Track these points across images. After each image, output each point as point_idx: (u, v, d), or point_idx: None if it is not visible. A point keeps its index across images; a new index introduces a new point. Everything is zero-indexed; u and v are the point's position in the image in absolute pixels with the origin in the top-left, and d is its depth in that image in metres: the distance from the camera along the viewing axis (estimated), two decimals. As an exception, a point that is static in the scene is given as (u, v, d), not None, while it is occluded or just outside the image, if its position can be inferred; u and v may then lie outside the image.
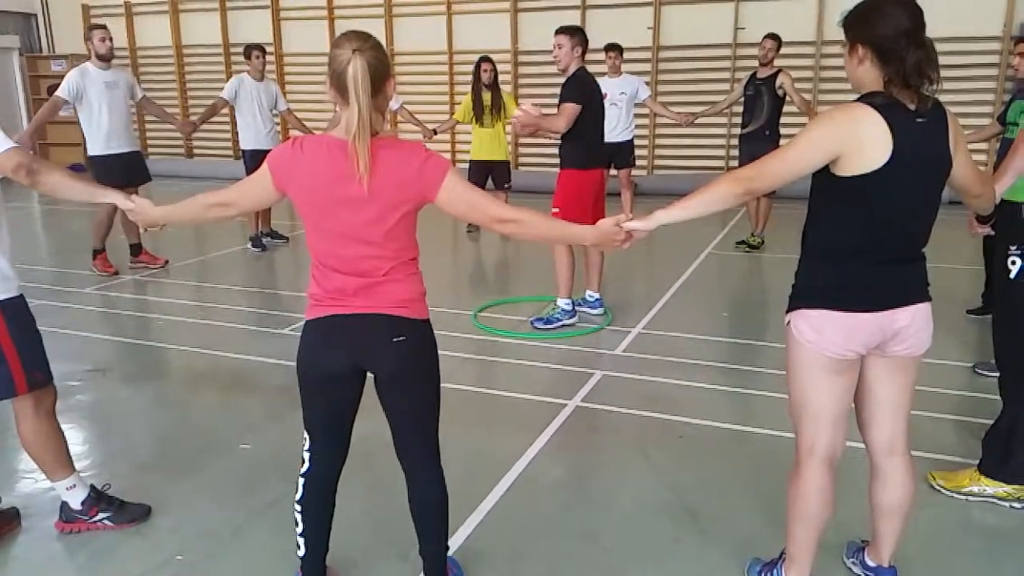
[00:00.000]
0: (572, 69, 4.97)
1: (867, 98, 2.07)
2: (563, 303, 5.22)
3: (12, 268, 2.63)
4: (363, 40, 2.03)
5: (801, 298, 2.26)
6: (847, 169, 2.06)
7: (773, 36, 7.16)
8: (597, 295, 5.40)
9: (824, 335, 2.19)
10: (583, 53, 4.99)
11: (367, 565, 2.71)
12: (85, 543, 2.88)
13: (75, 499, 2.89)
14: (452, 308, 5.56)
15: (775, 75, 7.11)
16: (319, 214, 2.12)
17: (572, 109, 4.87)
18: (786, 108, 7.24)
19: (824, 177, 2.11)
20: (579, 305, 5.42)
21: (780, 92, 7.09)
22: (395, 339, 2.15)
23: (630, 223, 2.34)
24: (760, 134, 7.14)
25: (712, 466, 3.41)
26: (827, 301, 2.19)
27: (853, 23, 2.12)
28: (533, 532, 2.92)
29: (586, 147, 5.07)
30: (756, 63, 7.45)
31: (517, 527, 2.95)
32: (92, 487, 2.94)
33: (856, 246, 2.15)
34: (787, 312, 2.31)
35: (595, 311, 5.39)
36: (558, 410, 3.94)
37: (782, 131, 7.26)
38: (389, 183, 2.06)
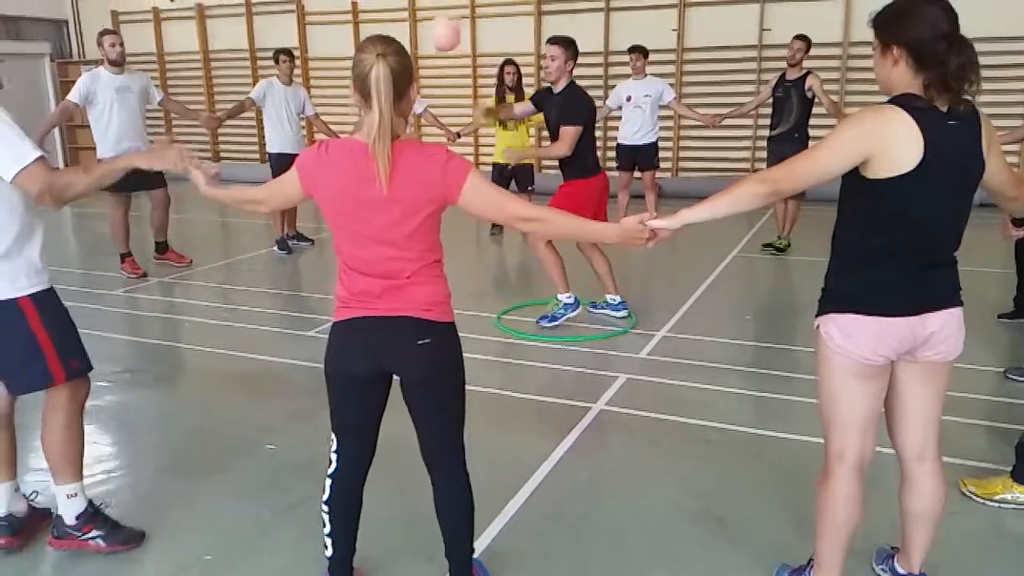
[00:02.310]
0: (563, 83, 4.98)
1: (898, 100, 2.04)
2: (563, 297, 5.25)
3: (43, 262, 2.63)
4: (387, 45, 2.04)
5: (830, 302, 2.23)
6: (877, 171, 2.03)
7: (802, 37, 7.10)
8: (618, 297, 5.38)
9: (854, 340, 2.16)
10: (574, 67, 4.99)
11: (393, 567, 2.72)
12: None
13: (72, 510, 2.79)
14: (475, 311, 5.56)
15: (804, 77, 7.05)
16: (344, 216, 2.13)
17: (574, 132, 4.89)
18: (815, 110, 7.17)
19: (854, 179, 2.09)
20: (601, 309, 5.41)
21: (809, 94, 7.03)
22: (420, 342, 2.16)
23: (655, 221, 2.33)
24: (789, 136, 7.09)
25: (738, 471, 3.38)
26: (857, 305, 2.16)
27: (887, 24, 2.08)
28: (558, 535, 2.91)
29: (587, 161, 5.10)
30: (781, 65, 7.40)
31: (542, 530, 2.94)
32: (90, 502, 2.84)
33: (887, 250, 2.12)
34: (816, 316, 2.28)
35: (619, 314, 5.37)
36: (582, 413, 3.93)
37: (811, 133, 7.20)
38: (412, 185, 2.07)
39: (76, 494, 2.79)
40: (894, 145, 2.00)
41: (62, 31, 14.60)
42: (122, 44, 6.66)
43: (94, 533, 2.81)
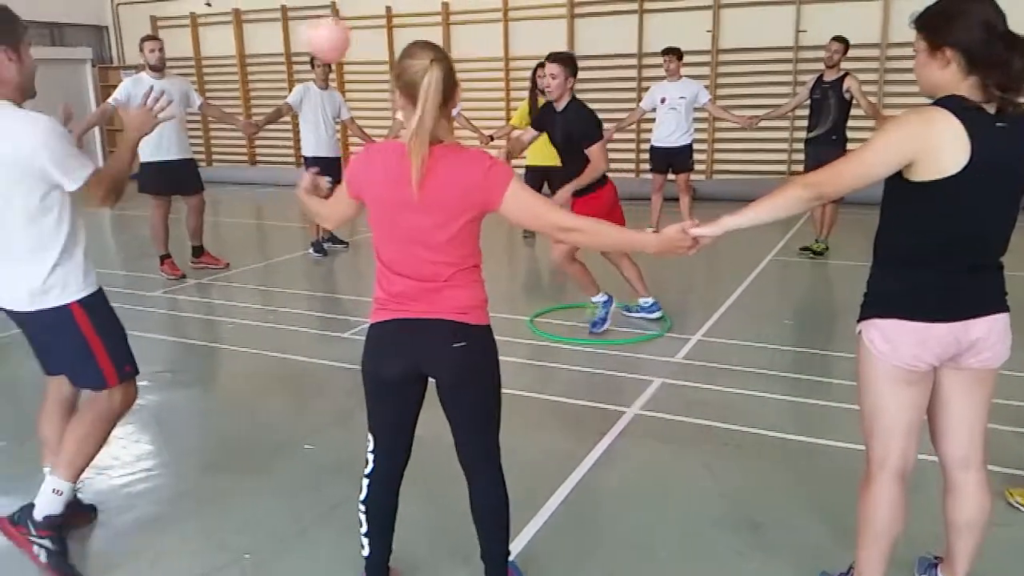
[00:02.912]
0: (566, 100, 4.93)
1: (944, 102, 2.01)
2: (597, 299, 5.24)
3: (89, 263, 2.67)
4: (437, 50, 2.08)
5: (873, 307, 2.20)
6: (922, 174, 2.00)
7: (840, 39, 7.01)
8: (650, 299, 5.35)
9: (897, 346, 2.13)
10: (574, 83, 4.95)
11: (429, 568, 2.74)
12: (157, 540, 2.96)
13: (47, 508, 2.67)
14: (508, 313, 5.57)
15: (842, 78, 6.96)
16: (384, 217, 2.16)
17: (601, 146, 4.90)
18: (853, 112, 7.08)
19: (898, 182, 2.06)
20: (636, 313, 5.39)
21: (847, 96, 6.94)
22: (456, 345, 2.17)
23: (696, 229, 2.32)
24: (826, 138, 7.00)
25: (774, 477, 3.35)
26: (900, 310, 2.13)
27: (936, 25, 2.04)
28: (592, 540, 2.90)
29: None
30: (817, 66, 7.31)
31: (577, 534, 2.94)
32: (61, 514, 2.70)
33: (931, 254, 2.09)
34: (858, 321, 2.25)
35: (653, 315, 5.34)
36: (616, 417, 3.92)
37: (849, 135, 7.11)
38: (452, 189, 2.08)
39: (62, 494, 2.69)
40: (940, 147, 1.97)
41: (103, 37, 14.91)
42: (162, 49, 6.79)
43: (46, 542, 2.67)
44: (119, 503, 3.23)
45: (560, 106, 4.95)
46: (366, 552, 2.42)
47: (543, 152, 8.03)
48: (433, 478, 2.98)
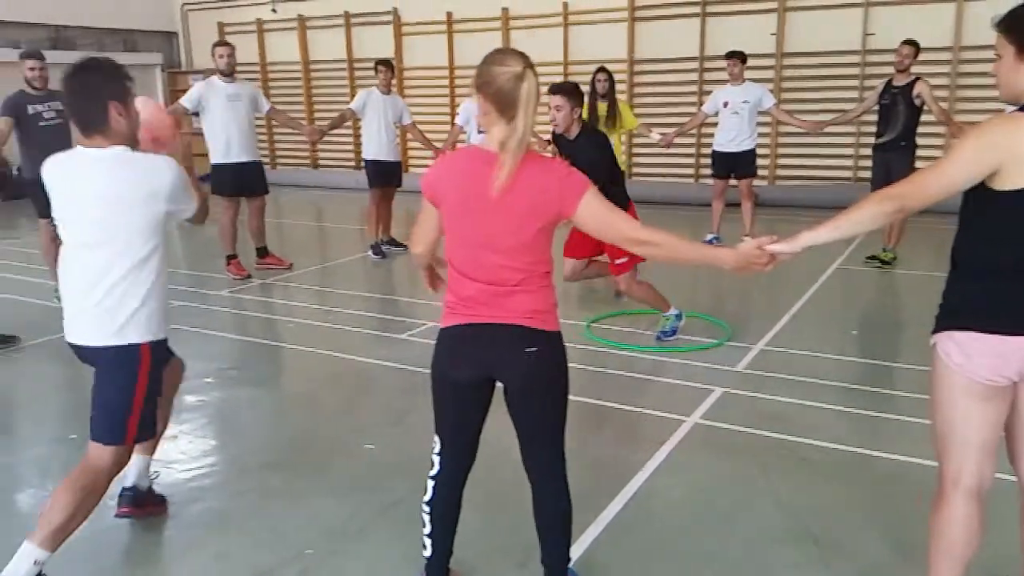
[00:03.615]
0: (576, 129, 4.76)
1: (1031, 108, 1.94)
2: (669, 313, 5.17)
3: (166, 311, 2.70)
4: (526, 57, 2.10)
5: (949, 319, 2.13)
6: (1006, 183, 1.93)
7: (911, 42, 6.82)
8: (674, 309, 5.18)
9: (974, 359, 2.06)
10: (580, 112, 4.81)
11: (486, 570, 2.74)
12: (222, 534, 3.04)
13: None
14: (564, 318, 5.49)
15: (912, 83, 6.76)
16: (459, 223, 2.18)
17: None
18: (923, 118, 6.88)
19: (981, 191, 1.99)
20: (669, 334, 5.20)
21: (918, 101, 6.75)
22: (527, 350, 2.18)
23: (774, 245, 2.28)
24: (895, 145, 6.82)
25: (838, 491, 3.27)
26: (978, 323, 2.06)
27: None
28: (651, 550, 2.87)
29: (623, 188, 5.06)
30: (885, 70, 7.13)
31: (635, 543, 2.91)
32: None
33: (1011, 265, 2.02)
34: (933, 333, 2.18)
35: (680, 323, 5.20)
36: (676, 426, 3.87)
37: (919, 141, 6.91)
38: (529, 196, 2.10)
39: (39, 565, 2.46)
40: (1025, 155, 1.90)
41: (172, 43, 15.37)
42: (232, 55, 6.98)
43: None
44: (186, 496, 3.31)
45: (572, 135, 4.78)
46: (428, 552, 2.44)
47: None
48: (491, 481, 2.99)
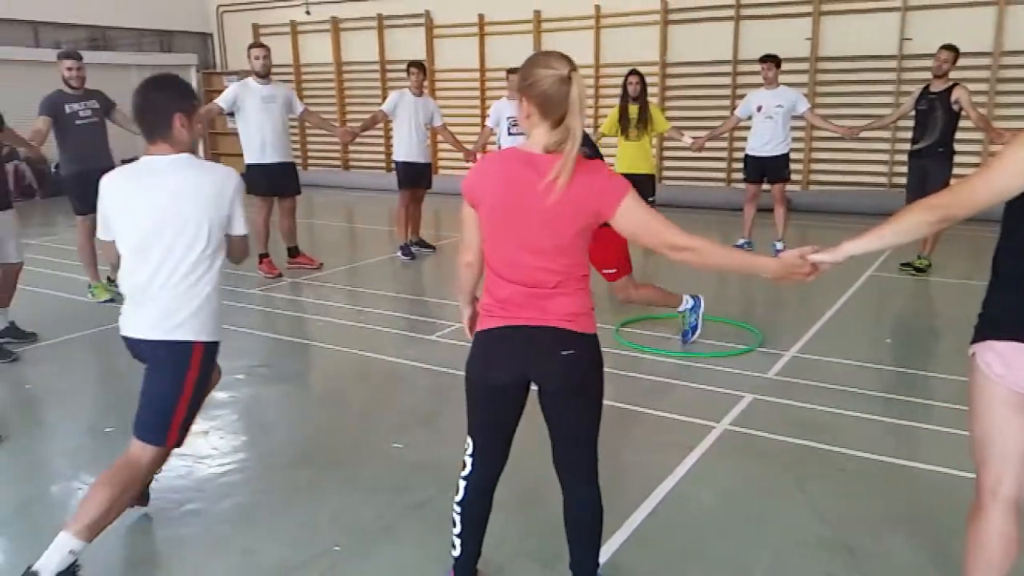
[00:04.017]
0: None
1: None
2: (684, 307, 5.10)
3: (221, 315, 2.80)
4: (570, 60, 2.09)
5: (990, 329, 2.09)
6: (1051, 191, 1.89)
7: (950, 47, 6.70)
8: (689, 301, 5.13)
9: (1014, 369, 2.02)
10: None
11: (513, 572, 2.73)
12: (251, 529, 3.06)
13: (57, 565, 2.46)
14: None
15: (950, 89, 6.65)
16: (498, 225, 2.17)
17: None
18: (960, 124, 6.76)
19: (1022, 199, 1.95)
20: (689, 337, 5.16)
21: (956, 107, 6.63)
22: (564, 352, 2.17)
23: (816, 255, 2.25)
24: (932, 151, 6.71)
25: (871, 501, 3.21)
26: (1020, 333, 2.02)
27: None
28: (678, 556, 2.85)
29: None
30: (922, 75, 7.02)
31: (662, 549, 2.89)
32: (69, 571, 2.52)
33: (1057, 274, 1.97)
34: (972, 343, 2.14)
35: (699, 310, 5.14)
36: (705, 432, 3.83)
37: (956, 148, 6.79)
38: (568, 198, 2.09)
39: (74, 552, 2.51)
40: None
41: (207, 44, 15.58)
42: (268, 57, 7.06)
43: None
44: (216, 491, 3.35)
45: None
46: (457, 552, 2.44)
47: (632, 159, 8.00)
48: (519, 482, 2.98)
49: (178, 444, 2.77)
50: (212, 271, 2.73)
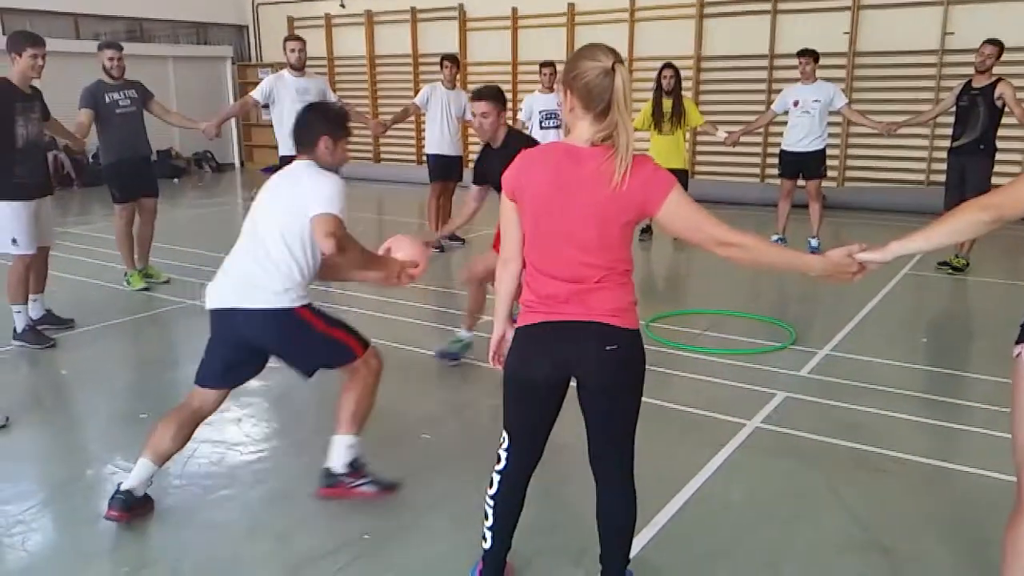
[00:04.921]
0: (503, 135, 4.33)
1: None
2: (465, 335, 4.75)
3: (295, 283, 3.00)
4: (615, 52, 2.07)
5: (1035, 328, 2.04)
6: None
7: (994, 42, 6.54)
8: (467, 335, 4.78)
9: (1060, 371, 1.97)
10: (506, 116, 4.42)
11: (540, 566, 2.73)
12: (284, 516, 3.10)
13: (345, 458, 3.11)
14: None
15: (994, 84, 6.50)
16: (540, 219, 2.16)
17: None
18: (1003, 120, 6.62)
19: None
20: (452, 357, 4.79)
21: (999, 103, 6.48)
22: (608, 348, 2.15)
23: (863, 254, 2.21)
24: (973, 148, 6.57)
25: (906, 501, 3.17)
26: (1066, 333, 1.97)
27: None
28: (710, 555, 2.83)
29: None
30: (964, 70, 6.87)
31: (693, 547, 2.87)
32: (359, 458, 3.14)
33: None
34: (1016, 344, 2.09)
35: (453, 356, 4.76)
36: (736, 429, 3.80)
37: (999, 144, 6.65)
38: (613, 192, 2.07)
39: (352, 446, 3.12)
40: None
41: (243, 36, 15.74)
42: (303, 50, 7.07)
43: (362, 482, 3.13)
44: (250, 478, 3.39)
45: (498, 142, 4.34)
46: (487, 544, 2.43)
47: (665, 154, 7.92)
48: (549, 477, 2.97)
49: (365, 344, 3.16)
50: (302, 250, 3.07)
